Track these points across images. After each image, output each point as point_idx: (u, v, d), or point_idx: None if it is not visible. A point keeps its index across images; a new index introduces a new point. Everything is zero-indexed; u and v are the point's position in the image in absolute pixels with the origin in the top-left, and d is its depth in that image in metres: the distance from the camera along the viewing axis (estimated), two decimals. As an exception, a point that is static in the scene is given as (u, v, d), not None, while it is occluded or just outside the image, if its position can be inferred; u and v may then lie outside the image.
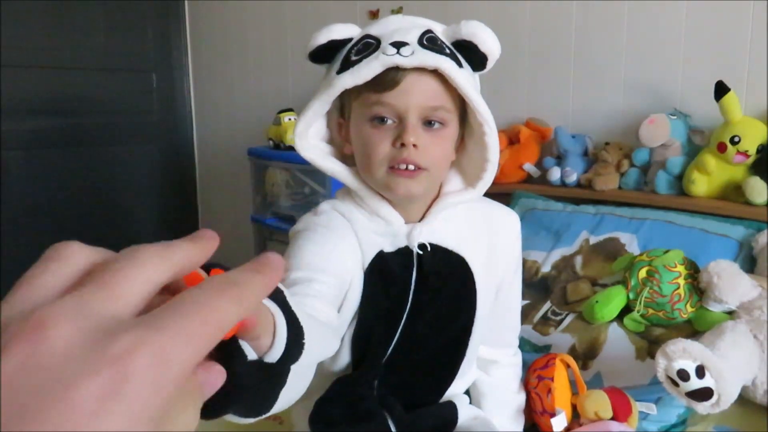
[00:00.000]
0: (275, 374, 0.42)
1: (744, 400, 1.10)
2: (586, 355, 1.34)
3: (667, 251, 1.33)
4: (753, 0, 1.56)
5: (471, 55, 0.83)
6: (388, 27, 0.83)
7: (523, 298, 1.54)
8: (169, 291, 0.27)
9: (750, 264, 1.38)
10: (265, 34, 2.76)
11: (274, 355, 0.40)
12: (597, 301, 1.37)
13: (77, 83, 2.78)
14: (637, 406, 1.08)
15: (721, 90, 1.48)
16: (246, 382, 0.37)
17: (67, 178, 2.79)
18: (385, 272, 0.85)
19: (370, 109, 0.81)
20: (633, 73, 1.78)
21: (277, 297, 0.43)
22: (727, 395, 0.96)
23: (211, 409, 0.36)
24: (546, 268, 1.61)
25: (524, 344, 1.43)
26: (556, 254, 1.62)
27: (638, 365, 1.28)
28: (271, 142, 2.35)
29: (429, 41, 0.80)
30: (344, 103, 0.86)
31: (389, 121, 0.81)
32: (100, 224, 2.85)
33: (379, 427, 0.87)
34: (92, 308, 0.22)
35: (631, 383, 1.21)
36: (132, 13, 2.94)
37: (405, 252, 0.87)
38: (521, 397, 1.06)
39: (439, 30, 0.84)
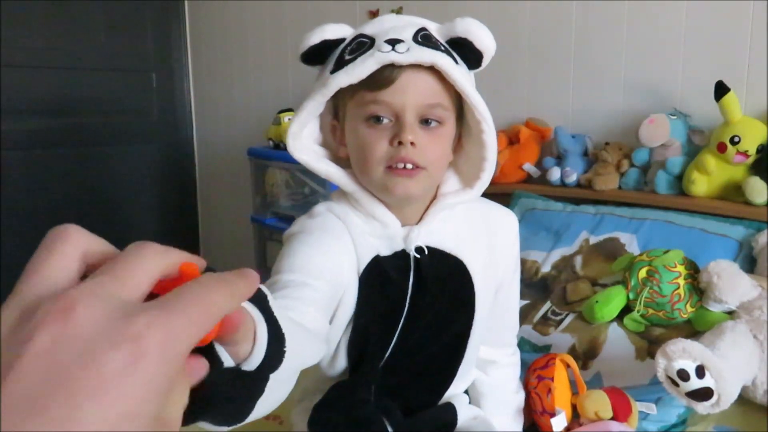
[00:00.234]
0: (253, 382, 0.41)
1: (744, 400, 1.10)
2: (586, 355, 1.34)
3: (667, 251, 1.33)
4: (753, 0, 1.56)
5: (466, 52, 0.82)
6: (382, 26, 0.81)
7: (523, 298, 1.55)
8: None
9: (750, 264, 1.38)
10: (265, 34, 2.76)
11: (252, 363, 0.39)
12: (597, 301, 1.37)
13: (77, 83, 2.78)
14: (637, 406, 1.08)
15: (721, 90, 1.48)
16: (221, 389, 0.37)
17: (67, 178, 2.79)
18: (382, 277, 0.84)
19: (365, 108, 0.79)
20: (633, 73, 1.78)
21: (260, 303, 0.42)
22: (727, 395, 0.96)
23: (185, 416, 0.36)
24: (546, 268, 1.61)
25: (524, 344, 1.43)
26: (556, 254, 1.62)
27: (638, 365, 1.28)
28: (271, 142, 2.35)
29: (424, 38, 0.79)
30: (338, 104, 0.85)
31: (385, 120, 0.79)
32: (100, 224, 2.85)
33: None
34: (111, 293, 0.26)
35: (631, 383, 1.21)
36: (132, 13, 2.94)
37: (402, 255, 0.85)
38: (520, 397, 1.06)
39: (434, 28, 0.83)
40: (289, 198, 2.36)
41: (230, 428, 0.42)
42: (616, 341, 1.34)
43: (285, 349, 0.43)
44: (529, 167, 1.88)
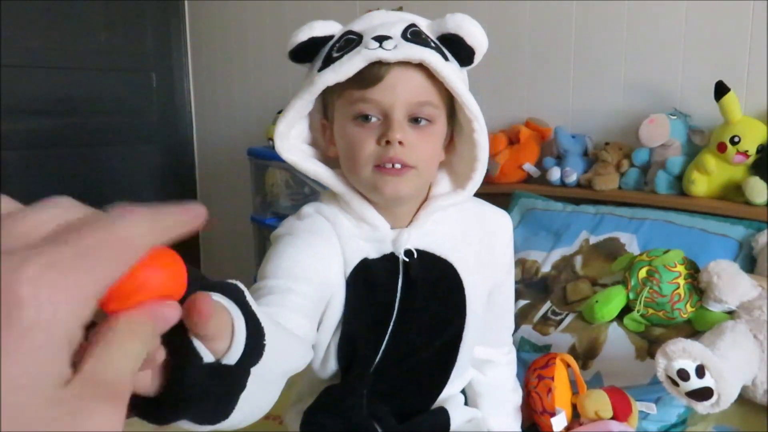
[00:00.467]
0: (234, 377, 0.40)
1: (744, 399, 1.10)
2: (586, 354, 1.34)
3: (667, 251, 1.33)
4: (753, 0, 1.56)
5: (458, 49, 0.80)
6: (371, 22, 0.79)
7: (523, 298, 1.55)
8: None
9: (750, 264, 1.38)
10: (265, 34, 2.76)
11: (232, 357, 0.39)
12: (597, 301, 1.37)
13: (77, 83, 2.78)
14: (637, 406, 1.08)
15: (721, 90, 1.48)
16: (200, 384, 0.36)
17: (67, 178, 2.79)
18: (370, 280, 0.82)
19: (353, 106, 0.77)
20: (633, 73, 1.78)
21: (237, 298, 0.42)
22: (727, 395, 0.96)
23: (163, 415, 0.35)
24: (546, 268, 1.61)
25: (524, 344, 1.43)
26: (556, 254, 1.62)
27: (638, 365, 1.28)
28: (271, 142, 2.35)
29: (413, 35, 0.77)
30: (327, 102, 0.83)
31: (374, 119, 0.77)
32: (100, 224, 2.85)
33: None
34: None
35: (631, 383, 1.21)
36: (132, 13, 2.94)
37: (391, 258, 0.83)
38: (518, 395, 1.06)
39: (425, 25, 0.81)
40: (289, 198, 2.36)
41: (215, 427, 0.41)
42: (616, 341, 1.34)
43: (264, 342, 0.42)
44: (529, 167, 1.88)
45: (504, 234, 0.95)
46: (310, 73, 0.81)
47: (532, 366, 1.13)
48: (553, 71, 1.93)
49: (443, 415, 0.91)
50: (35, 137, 2.70)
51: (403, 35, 0.76)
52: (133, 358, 0.26)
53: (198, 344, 0.36)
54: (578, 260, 1.58)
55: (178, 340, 0.34)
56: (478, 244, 0.90)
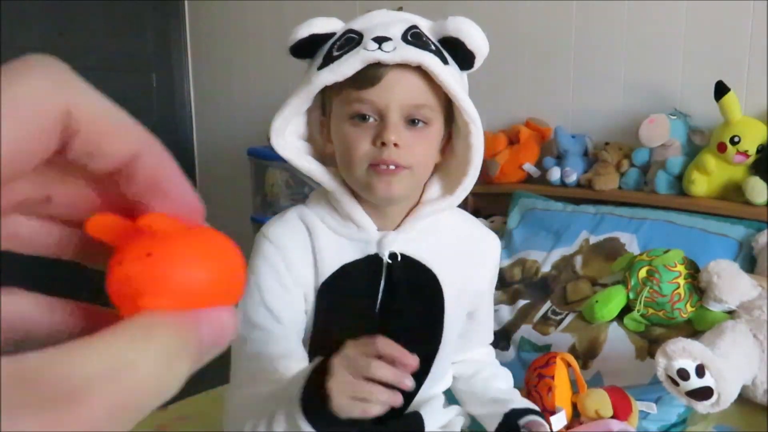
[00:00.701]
0: None
1: (744, 399, 1.10)
2: (586, 354, 1.34)
3: (667, 251, 1.33)
4: (753, 0, 1.57)
5: (458, 52, 0.80)
6: (371, 21, 0.79)
7: (523, 297, 1.55)
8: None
9: (750, 264, 1.38)
10: (265, 34, 2.76)
11: None
12: (597, 301, 1.37)
13: (77, 83, 2.78)
14: (638, 406, 1.08)
15: (721, 90, 1.48)
16: None
17: (67, 178, 2.79)
18: (348, 286, 0.83)
19: (350, 106, 0.77)
20: (633, 73, 1.78)
21: None
22: (726, 395, 0.96)
23: None
24: (546, 268, 1.61)
25: (524, 344, 1.43)
26: (556, 254, 1.62)
27: (638, 365, 1.28)
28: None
29: (413, 36, 0.77)
30: (325, 100, 0.83)
31: (370, 119, 0.77)
32: (100, 224, 2.85)
33: None
34: None
35: (631, 382, 1.21)
36: (132, 13, 2.94)
37: (374, 260, 0.83)
38: (509, 383, 1.02)
39: (425, 26, 0.80)
40: (289, 198, 2.36)
41: None
42: (616, 341, 1.34)
43: None
44: (529, 167, 1.88)
45: (491, 257, 0.94)
46: (309, 69, 0.81)
47: (533, 365, 1.13)
48: (553, 71, 1.93)
49: (417, 419, 0.90)
50: (35, 137, 2.70)
51: (404, 37, 0.76)
52: (144, 370, 0.17)
53: None
54: (578, 260, 1.58)
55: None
56: (464, 262, 0.89)
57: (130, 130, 0.19)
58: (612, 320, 1.38)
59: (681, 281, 1.29)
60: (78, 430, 0.16)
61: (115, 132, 0.19)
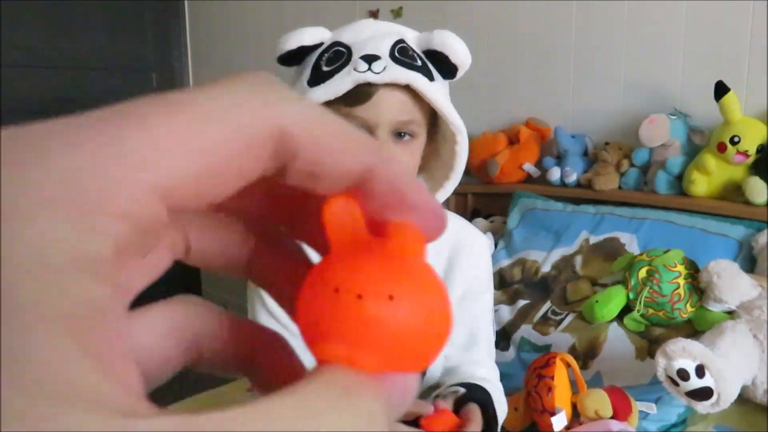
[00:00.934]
0: None
1: (744, 399, 1.10)
2: (586, 354, 1.34)
3: (667, 251, 1.33)
4: (753, 0, 1.57)
5: (442, 64, 0.84)
6: (359, 35, 0.82)
7: (523, 298, 1.55)
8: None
9: (750, 264, 1.38)
10: (265, 34, 2.76)
11: None
12: (597, 301, 1.37)
13: (77, 83, 2.78)
14: (637, 406, 1.08)
15: (721, 90, 1.48)
16: None
17: (67, 178, 2.79)
18: None
19: None
20: (633, 73, 1.78)
21: None
22: (726, 395, 0.96)
23: None
24: (546, 268, 1.61)
25: (524, 344, 1.43)
26: (556, 254, 1.62)
27: (638, 365, 1.28)
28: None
29: (401, 52, 0.80)
30: None
31: None
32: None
33: None
34: None
35: (631, 383, 1.21)
36: (132, 13, 2.94)
37: None
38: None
39: (412, 37, 0.84)
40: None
41: None
42: (616, 341, 1.34)
43: None
44: (529, 167, 1.88)
45: (475, 255, 0.94)
46: (298, 82, 0.84)
47: (532, 365, 1.13)
48: (553, 71, 1.93)
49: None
50: (35, 137, 2.70)
51: (392, 54, 0.79)
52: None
53: None
54: (578, 260, 1.58)
55: None
56: (443, 260, 0.91)
57: (358, 144, 0.16)
58: (612, 320, 1.38)
59: (681, 281, 1.29)
60: None
61: (342, 149, 0.16)
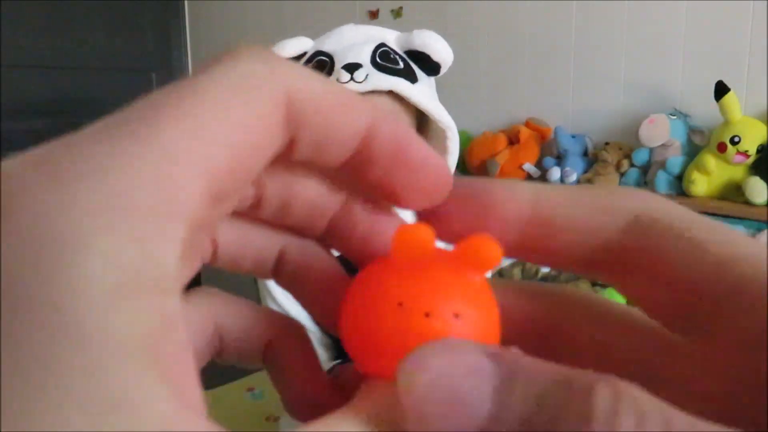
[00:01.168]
0: None
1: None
2: (586, 354, 1.34)
3: (667, 251, 1.34)
4: (753, 0, 1.57)
5: (424, 63, 0.85)
6: (340, 42, 0.83)
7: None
8: None
9: (750, 264, 1.38)
10: (265, 34, 2.76)
11: None
12: (597, 301, 1.37)
13: (77, 83, 2.78)
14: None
15: (721, 90, 1.49)
16: None
17: (67, 178, 2.79)
18: None
19: None
20: (633, 73, 1.78)
21: None
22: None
23: None
24: (546, 269, 1.61)
25: (524, 344, 1.43)
26: (556, 254, 1.63)
27: (638, 365, 1.28)
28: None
29: (382, 57, 0.81)
30: None
31: None
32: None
33: None
34: None
35: (631, 383, 1.21)
36: (132, 13, 2.94)
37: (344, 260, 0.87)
38: None
39: (393, 39, 0.85)
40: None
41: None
42: (616, 341, 1.34)
43: None
44: (529, 167, 1.88)
45: None
46: None
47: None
48: (553, 71, 1.93)
49: None
50: (35, 137, 2.69)
51: (373, 60, 0.80)
52: None
53: None
54: (578, 260, 1.58)
55: None
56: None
57: (358, 104, 0.16)
58: (612, 320, 1.38)
59: (681, 281, 1.29)
60: None
61: (342, 110, 0.16)
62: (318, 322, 0.19)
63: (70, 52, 2.77)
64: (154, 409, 0.11)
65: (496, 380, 0.12)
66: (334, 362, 0.87)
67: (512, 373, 0.12)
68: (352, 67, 0.79)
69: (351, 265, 0.19)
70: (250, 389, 1.39)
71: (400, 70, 0.81)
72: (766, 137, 1.50)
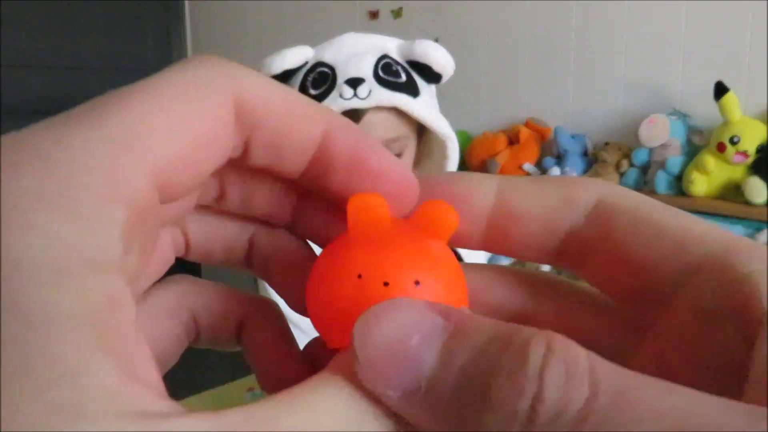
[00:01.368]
0: None
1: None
2: (585, 354, 1.34)
3: (666, 251, 1.34)
4: (753, 0, 1.57)
5: (426, 72, 0.86)
6: (341, 52, 0.83)
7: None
8: None
9: (750, 264, 1.38)
10: (265, 34, 2.76)
11: None
12: (597, 301, 1.37)
13: (77, 83, 2.78)
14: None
15: (720, 90, 1.49)
16: None
17: (67, 178, 2.79)
18: None
19: None
20: (633, 73, 1.78)
21: None
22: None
23: None
24: (545, 268, 1.61)
25: (524, 344, 1.43)
26: (556, 254, 1.63)
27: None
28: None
29: (384, 70, 0.81)
30: None
31: None
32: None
33: None
34: None
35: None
36: (132, 13, 2.94)
37: None
38: None
39: (394, 47, 0.86)
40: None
41: None
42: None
43: None
44: (528, 167, 1.88)
45: (479, 260, 0.98)
46: None
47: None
48: (553, 71, 1.93)
49: None
50: (35, 137, 2.70)
51: (375, 73, 0.81)
52: None
53: None
54: (578, 260, 1.58)
55: None
56: None
57: (314, 110, 0.16)
58: (612, 320, 1.38)
59: (681, 281, 1.30)
60: None
61: (298, 114, 0.16)
62: (292, 306, 0.19)
63: (70, 52, 2.77)
64: (98, 382, 0.11)
65: (444, 336, 0.13)
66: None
67: (459, 329, 0.13)
68: (354, 82, 0.79)
69: None
70: (251, 389, 1.39)
71: (402, 84, 0.82)
72: (765, 137, 1.50)
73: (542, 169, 1.86)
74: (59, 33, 2.73)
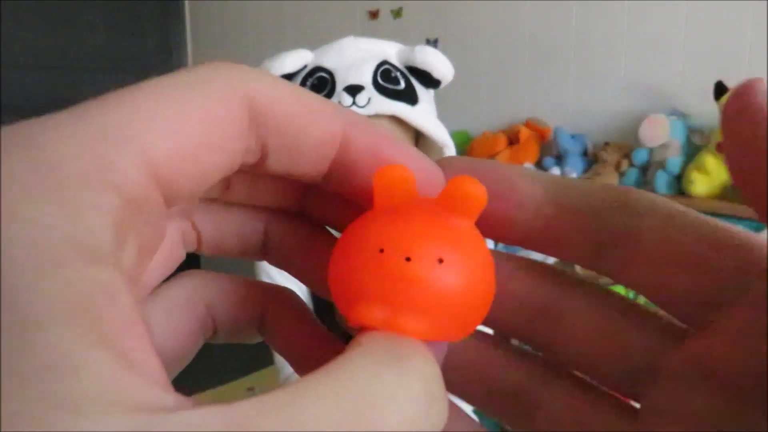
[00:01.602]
0: None
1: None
2: (585, 354, 1.34)
3: (666, 251, 1.34)
4: (753, 0, 1.57)
5: (425, 78, 0.86)
6: (341, 57, 0.83)
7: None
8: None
9: (750, 264, 1.38)
10: (265, 34, 2.76)
11: None
12: (597, 301, 1.37)
13: (77, 83, 2.78)
14: (637, 406, 1.08)
15: (720, 90, 1.49)
16: None
17: (67, 178, 2.79)
18: None
19: None
20: (633, 73, 1.78)
21: None
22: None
23: None
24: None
25: (524, 344, 1.43)
26: (556, 254, 1.63)
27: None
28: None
29: (384, 77, 0.81)
30: None
31: None
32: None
33: None
34: None
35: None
36: (132, 13, 2.94)
37: None
38: None
39: (394, 53, 0.86)
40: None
41: None
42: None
43: None
44: (528, 167, 1.88)
45: None
46: None
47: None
48: (553, 71, 1.93)
49: None
50: (35, 137, 2.70)
51: (374, 81, 0.81)
52: (398, 417, 0.12)
53: None
54: (578, 260, 1.58)
55: None
56: None
57: (330, 110, 0.15)
58: (612, 320, 1.38)
59: (681, 281, 1.30)
60: None
61: (314, 115, 0.15)
62: (315, 290, 0.19)
63: (70, 52, 2.77)
64: (92, 371, 0.10)
65: None
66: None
67: None
68: (354, 90, 0.80)
69: None
70: (251, 389, 1.39)
71: (401, 91, 0.82)
72: (765, 137, 1.50)
73: (542, 169, 1.86)
74: (59, 33, 2.73)
